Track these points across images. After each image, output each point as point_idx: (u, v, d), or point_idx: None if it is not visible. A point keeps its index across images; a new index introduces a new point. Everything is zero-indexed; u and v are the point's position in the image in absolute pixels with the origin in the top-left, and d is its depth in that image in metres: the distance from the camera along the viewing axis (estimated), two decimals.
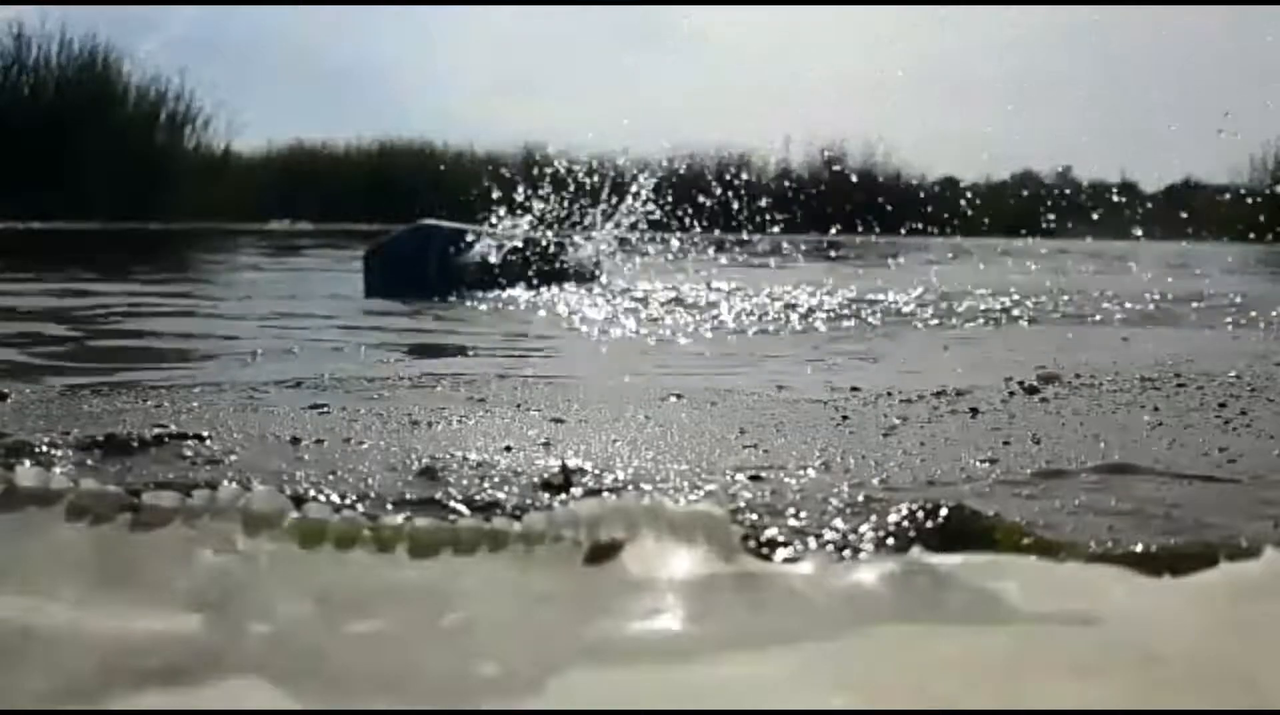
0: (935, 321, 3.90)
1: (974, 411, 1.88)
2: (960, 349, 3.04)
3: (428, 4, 29.88)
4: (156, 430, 1.57)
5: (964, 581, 0.88)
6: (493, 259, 5.10)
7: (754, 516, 1.16)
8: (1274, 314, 4.01)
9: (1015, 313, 4.19)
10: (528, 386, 2.16)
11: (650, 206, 6.09)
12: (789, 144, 19.48)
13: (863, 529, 1.10)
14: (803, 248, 9.23)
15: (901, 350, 3.04)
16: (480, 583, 0.89)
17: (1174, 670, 0.73)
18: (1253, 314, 4.10)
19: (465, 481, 1.32)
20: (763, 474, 1.37)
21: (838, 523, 1.13)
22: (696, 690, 0.71)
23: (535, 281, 5.06)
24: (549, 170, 6.19)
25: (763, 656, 0.76)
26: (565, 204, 6.10)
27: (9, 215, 14.91)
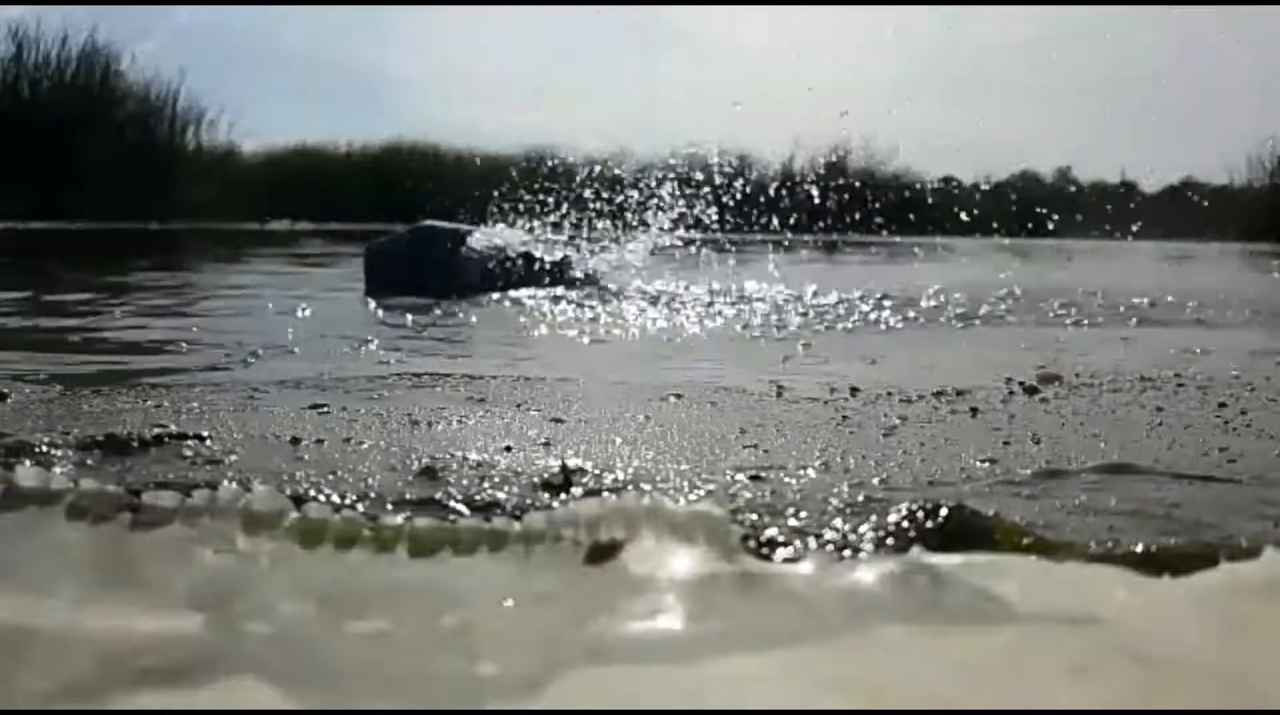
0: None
1: (974, 411, 1.88)
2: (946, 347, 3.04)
3: (430, 5, 29.85)
4: (156, 430, 1.57)
5: (964, 581, 0.88)
6: (493, 260, 5.10)
7: (754, 516, 1.16)
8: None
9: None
10: (528, 386, 2.16)
11: (652, 208, 6.09)
12: (796, 145, 19.46)
13: (863, 529, 1.10)
14: (802, 248, 9.24)
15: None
16: (480, 583, 0.89)
17: (1174, 670, 0.73)
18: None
19: (465, 481, 1.32)
20: (763, 474, 1.37)
21: (838, 523, 1.13)
22: (696, 690, 0.71)
23: (536, 283, 5.06)
24: (550, 172, 6.19)
25: (763, 656, 0.76)
26: (566, 206, 6.09)
27: (8, 215, 14.92)
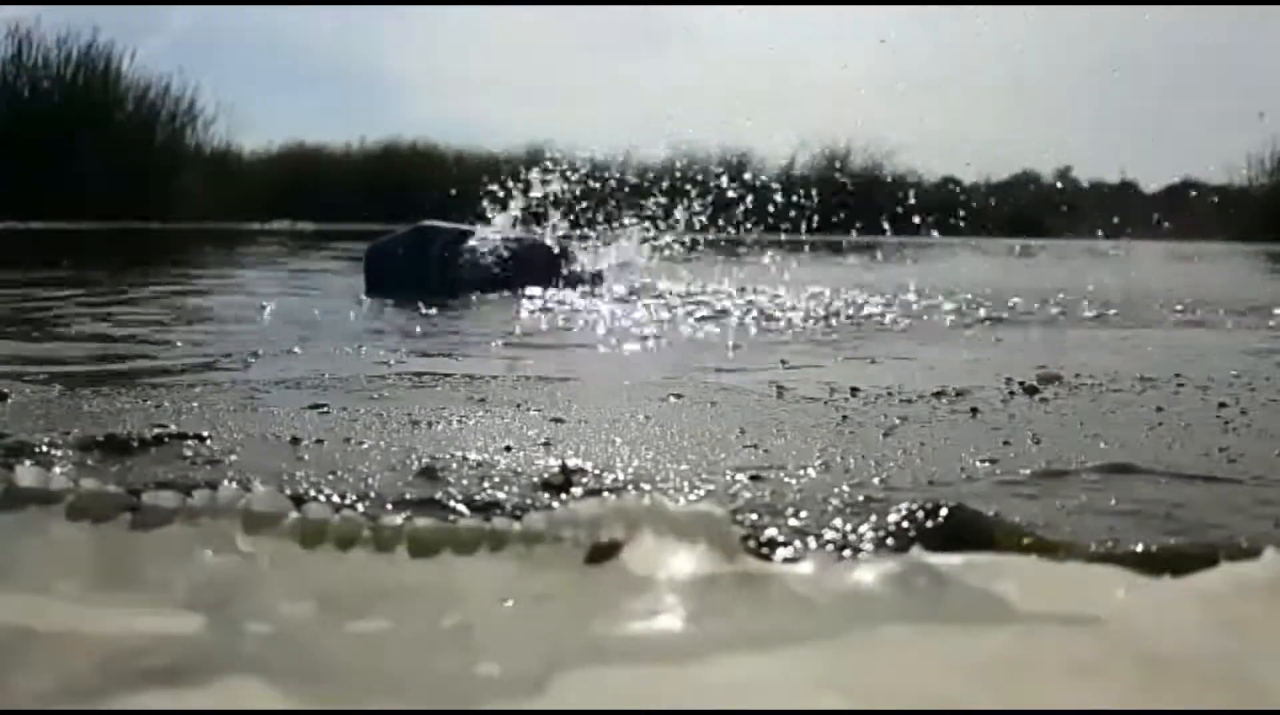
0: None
1: (974, 411, 1.88)
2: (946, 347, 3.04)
3: (429, 4, 29.84)
4: (156, 430, 1.57)
5: (964, 581, 0.88)
6: (493, 260, 5.09)
7: (754, 516, 1.16)
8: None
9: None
10: (528, 386, 2.16)
11: (653, 207, 6.09)
12: (799, 145, 19.53)
13: (863, 529, 1.10)
14: (802, 247, 9.23)
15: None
16: (480, 583, 0.89)
17: (1174, 670, 0.73)
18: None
19: (465, 481, 1.32)
20: (763, 474, 1.37)
21: (838, 523, 1.13)
22: (696, 690, 0.71)
23: (536, 282, 5.06)
24: (551, 172, 6.19)
25: (763, 656, 0.76)
26: (567, 205, 6.09)
27: (9, 215, 14.92)
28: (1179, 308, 4.43)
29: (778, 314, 4.00)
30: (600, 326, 3.57)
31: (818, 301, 4.52)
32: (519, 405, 1.92)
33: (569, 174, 6.28)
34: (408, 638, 0.79)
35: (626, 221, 6.06)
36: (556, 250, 5.43)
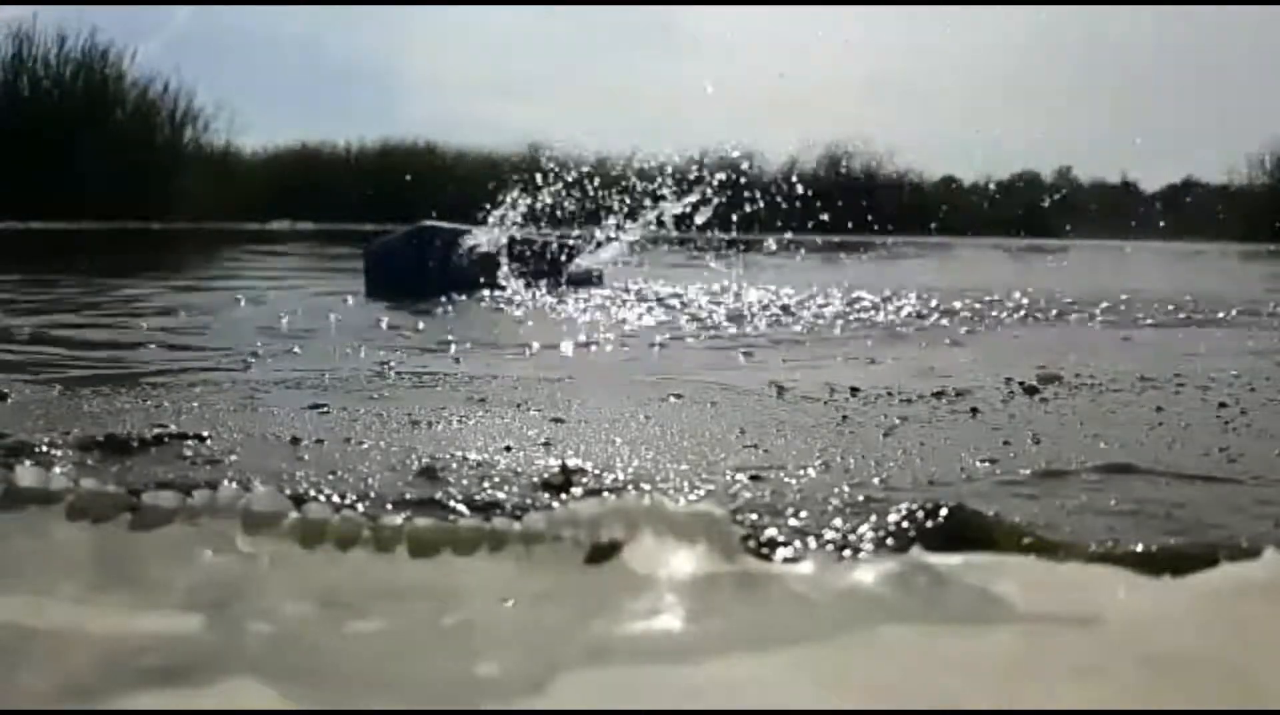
0: None
1: (974, 411, 1.88)
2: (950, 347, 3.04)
3: (429, 4, 29.85)
4: (156, 430, 1.57)
5: (964, 581, 0.88)
6: (493, 260, 5.09)
7: (754, 516, 1.16)
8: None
9: None
10: (528, 386, 2.16)
11: (654, 207, 6.09)
12: (803, 145, 19.60)
13: (863, 529, 1.10)
14: (803, 247, 9.23)
15: None
16: (480, 583, 0.89)
17: (1174, 670, 0.73)
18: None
19: (465, 481, 1.32)
20: (763, 474, 1.37)
21: (838, 523, 1.13)
22: (697, 690, 0.71)
23: (536, 282, 5.06)
24: (551, 171, 6.18)
25: (763, 656, 0.76)
26: (567, 205, 6.09)
27: (9, 215, 14.93)
28: (1180, 308, 4.43)
29: (778, 313, 4.00)
30: (600, 326, 3.57)
31: (818, 301, 4.52)
32: (519, 405, 1.92)
33: (569, 174, 6.27)
34: (408, 638, 0.79)
35: (627, 221, 6.05)
36: (557, 250, 5.43)
